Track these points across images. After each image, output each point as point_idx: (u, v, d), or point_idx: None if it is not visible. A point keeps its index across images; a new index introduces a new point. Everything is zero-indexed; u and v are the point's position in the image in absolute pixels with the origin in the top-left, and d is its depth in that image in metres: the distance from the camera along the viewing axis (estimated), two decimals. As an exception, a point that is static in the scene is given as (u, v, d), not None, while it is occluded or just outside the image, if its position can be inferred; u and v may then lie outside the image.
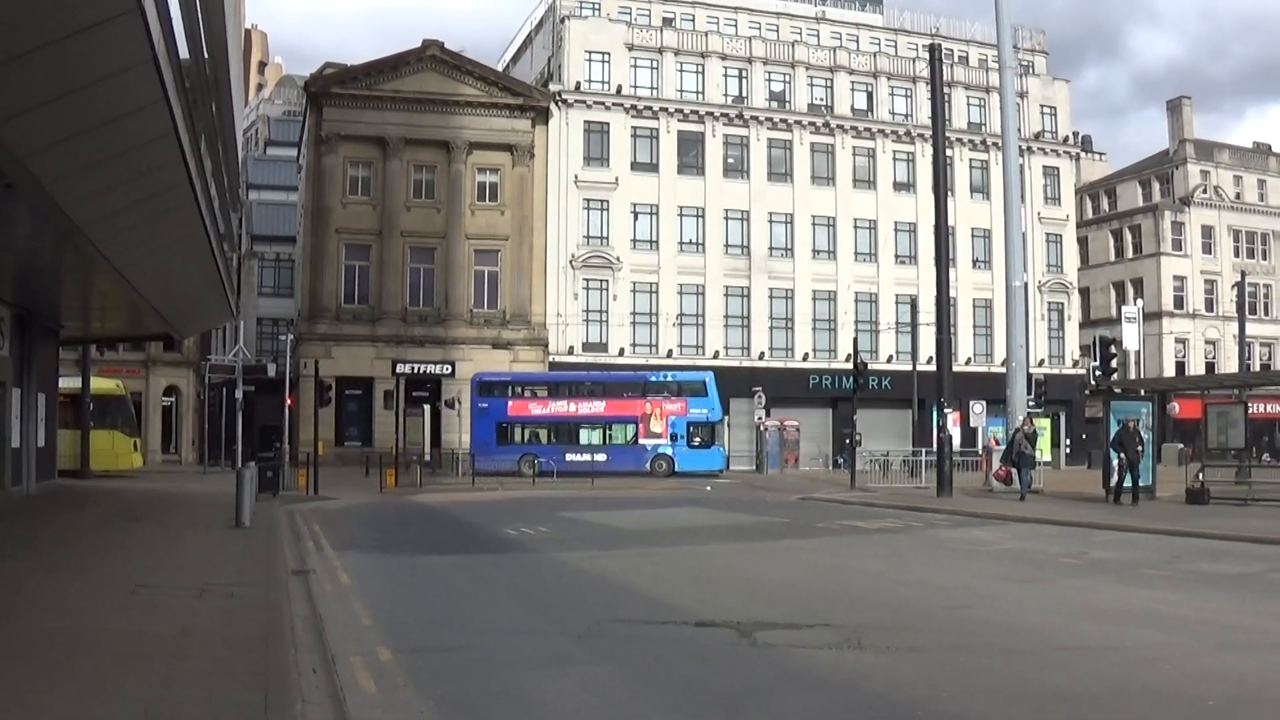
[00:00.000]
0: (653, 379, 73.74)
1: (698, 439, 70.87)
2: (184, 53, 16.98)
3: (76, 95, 15.99)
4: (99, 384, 64.67)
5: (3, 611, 16.36)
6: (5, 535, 28.05)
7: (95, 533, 30.14)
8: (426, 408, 68.78)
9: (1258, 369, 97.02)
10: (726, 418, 75.26)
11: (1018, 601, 19.23)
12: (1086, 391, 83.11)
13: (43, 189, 19.54)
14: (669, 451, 70.44)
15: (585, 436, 71.75)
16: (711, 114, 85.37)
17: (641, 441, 70.81)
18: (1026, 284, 63.41)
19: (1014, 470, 45.88)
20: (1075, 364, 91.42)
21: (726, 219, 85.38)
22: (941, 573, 23.36)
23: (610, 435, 71.89)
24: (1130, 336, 74.52)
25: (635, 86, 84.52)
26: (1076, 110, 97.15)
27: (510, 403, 71.97)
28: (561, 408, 71.79)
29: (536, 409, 71.84)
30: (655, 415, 70.81)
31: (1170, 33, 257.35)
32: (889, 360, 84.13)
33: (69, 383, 58.85)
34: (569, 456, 69.10)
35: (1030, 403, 54.83)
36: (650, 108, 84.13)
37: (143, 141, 18.95)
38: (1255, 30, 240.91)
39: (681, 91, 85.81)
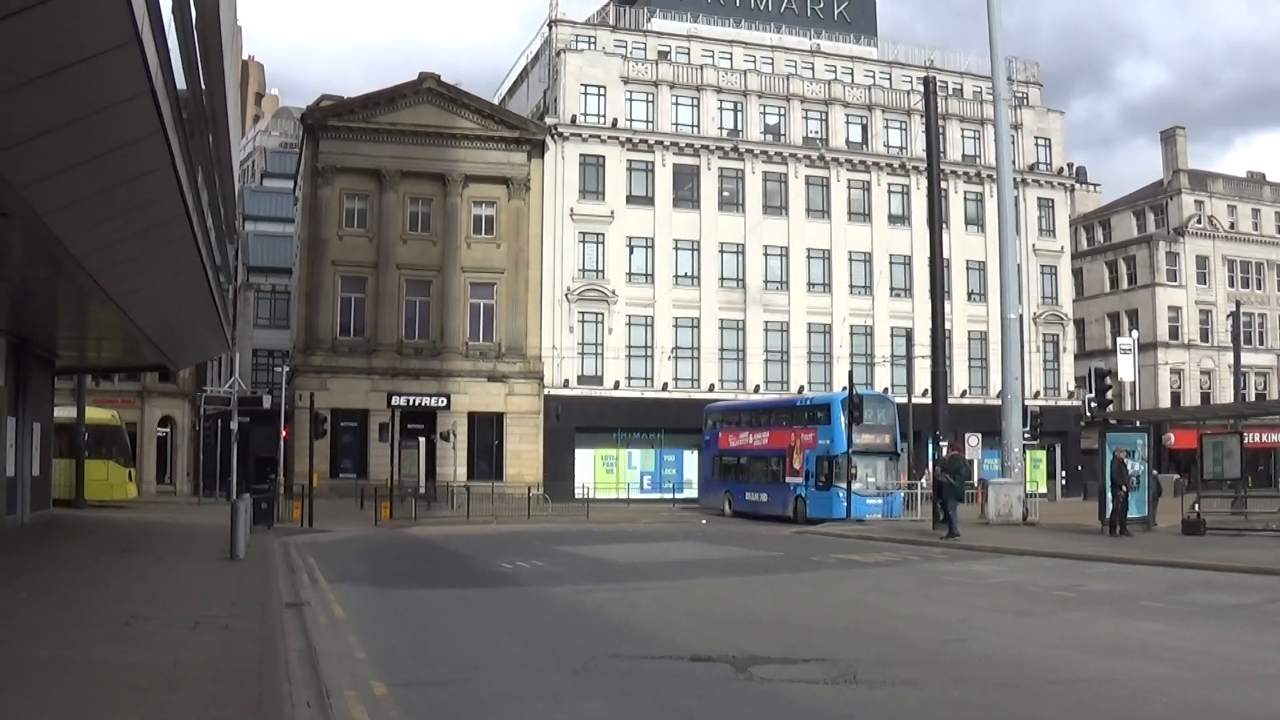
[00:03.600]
0: (797, 404, 68.09)
1: (824, 477, 59.65)
2: (181, 84, 17.00)
3: (74, 126, 15.99)
4: (94, 414, 64.66)
5: (-4, 643, 16.35)
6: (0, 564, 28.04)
7: (90, 563, 30.09)
8: (422, 440, 68.98)
9: (1253, 399, 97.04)
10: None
11: (1014, 635, 19.22)
12: (1082, 423, 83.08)
13: (39, 219, 19.54)
14: (804, 492, 60.42)
15: (758, 472, 66.21)
16: (707, 147, 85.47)
17: (787, 480, 62.19)
18: (1022, 316, 63.30)
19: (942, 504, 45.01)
20: (1071, 395, 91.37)
21: (722, 252, 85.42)
22: (937, 606, 23.35)
23: (770, 471, 64.55)
24: (1126, 368, 74.72)
25: (631, 120, 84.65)
26: (1067, 141, 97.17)
27: (720, 434, 70.85)
28: (745, 440, 68.39)
29: (733, 441, 69.47)
30: (797, 448, 62.15)
31: (1158, 62, 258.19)
32: (884, 393, 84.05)
33: (64, 412, 58.80)
34: (747, 495, 66.24)
35: (1026, 435, 54.92)
36: (646, 141, 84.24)
37: (140, 173, 18.95)
38: (1242, 57, 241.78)
39: (677, 125, 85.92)
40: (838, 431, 59.67)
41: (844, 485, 57.92)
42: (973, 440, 68.26)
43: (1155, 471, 50.65)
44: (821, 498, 59.22)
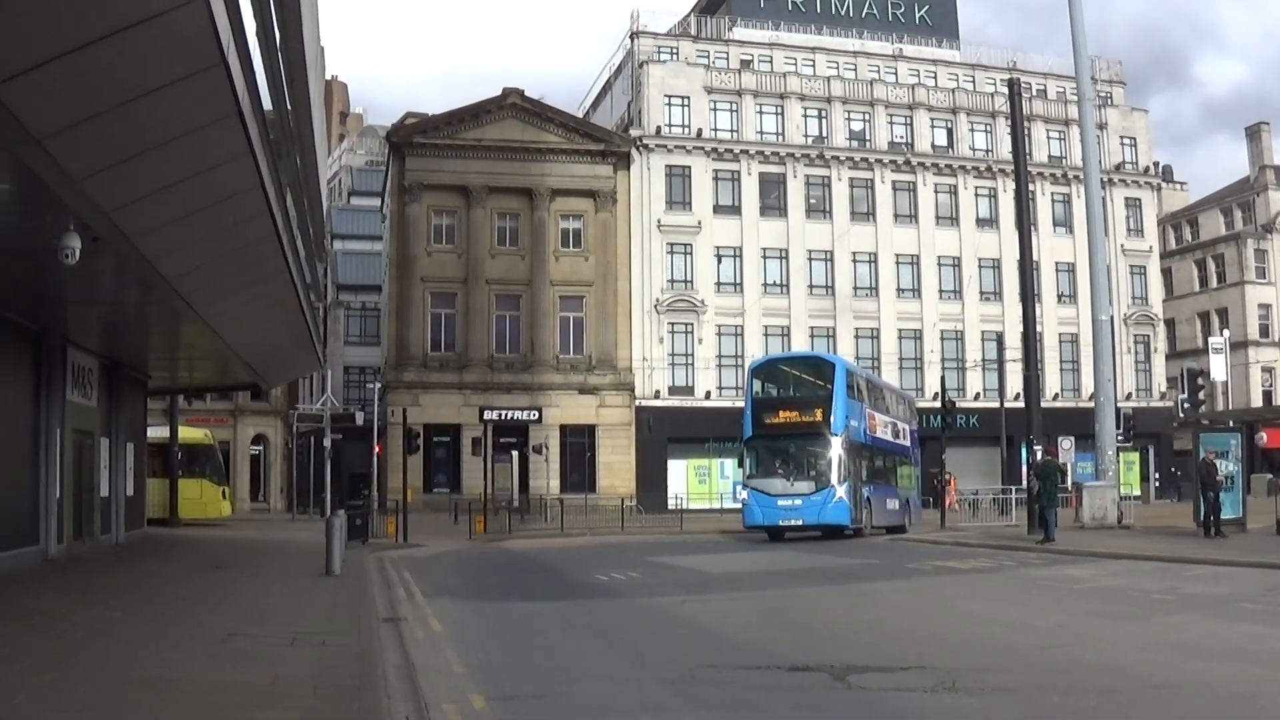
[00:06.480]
0: None
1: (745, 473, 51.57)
2: (267, 105, 17.09)
3: (163, 149, 16.10)
4: (187, 433, 65.30)
5: (94, 661, 16.42)
6: (95, 584, 28.18)
7: (185, 581, 30.27)
8: (515, 453, 68.95)
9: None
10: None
11: (1112, 639, 18.97)
12: (1175, 424, 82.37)
13: (129, 242, 19.67)
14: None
15: None
16: (792, 155, 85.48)
17: None
18: (1112, 317, 62.76)
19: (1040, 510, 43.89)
20: (1163, 396, 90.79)
21: (810, 260, 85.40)
22: (1035, 612, 23.13)
23: None
24: (1218, 367, 73.95)
25: (715, 129, 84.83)
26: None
27: None
28: None
29: None
30: None
31: (1236, 58, 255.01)
32: (976, 398, 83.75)
33: (157, 432, 59.29)
34: None
35: (1119, 437, 54.30)
36: (731, 150, 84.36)
37: (229, 194, 19.08)
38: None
39: (761, 133, 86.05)
40: (747, 411, 52.31)
41: (757, 484, 50.08)
42: (1066, 444, 67.71)
43: None
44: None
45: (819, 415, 49.02)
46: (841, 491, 47.92)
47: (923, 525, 56.65)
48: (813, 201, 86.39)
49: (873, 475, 53.03)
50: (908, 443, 59.54)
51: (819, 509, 47.93)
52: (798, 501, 48.27)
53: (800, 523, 48.38)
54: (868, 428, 52.54)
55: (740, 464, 51.70)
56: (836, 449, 48.38)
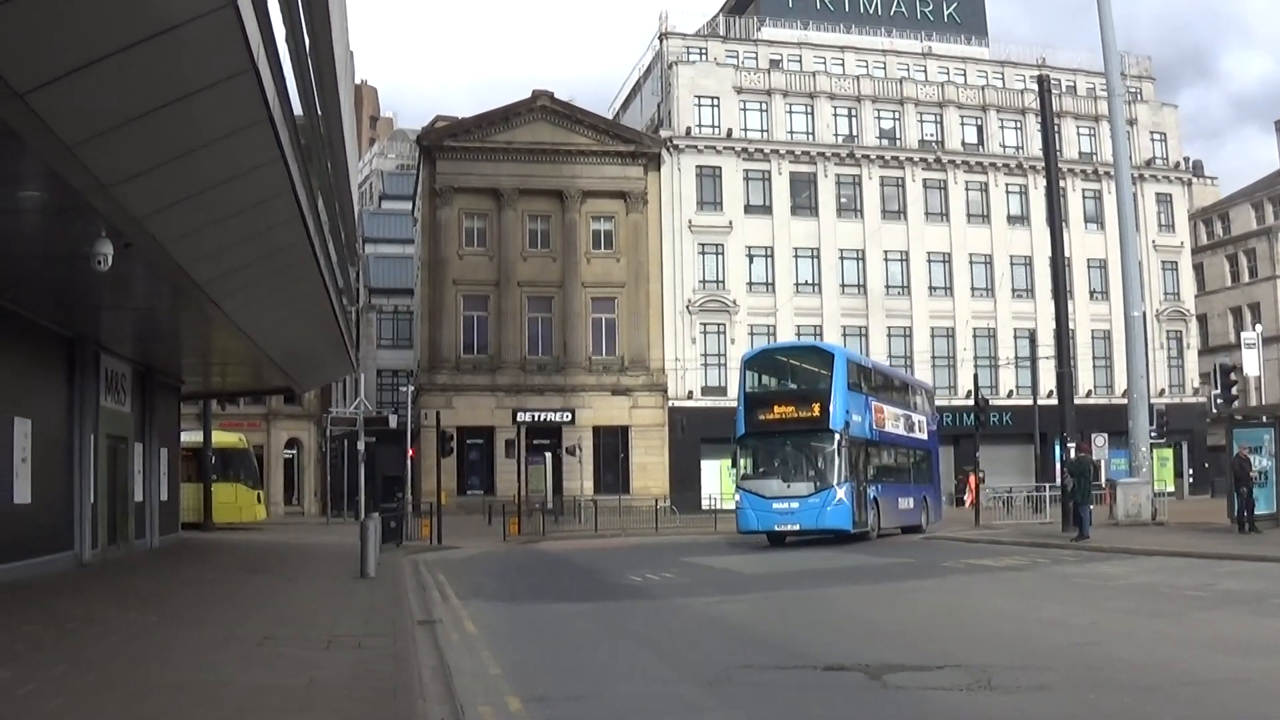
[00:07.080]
0: None
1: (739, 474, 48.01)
2: (298, 110, 17.12)
3: (194, 156, 16.14)
4: (221, 437, 65.45)
5: (129, 664, 16.44)
6: (130, 588, 28.23)
7: (220, 585, 30.28)
8: (548, 455, 69.04)
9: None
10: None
11: (1147, 636, 18.92)
12: (1208, 420, 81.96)
13: (162, 249, 19.72)
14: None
15: None
16: (823, 154, 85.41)
17: None
18: (1144, 313, 62.41)
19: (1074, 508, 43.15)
20: (1196, 392, 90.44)
21: (842, 259, 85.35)
22: (1069, 609, 23.05)
23: None
24: (1250, 362, 73.51)
25: (745, 129, 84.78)
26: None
27: None
28: None
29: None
30: None
31: (1263, 51, 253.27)
32: (1009, 395, 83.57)
33: (191, 437, 59.43)
34: None
35: (1152, 433, 54.02)
36: (761, 150, 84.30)
37: (260, 200, 19.12)
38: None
39: (792, 133, 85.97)
40: (739, 406, 48.01)
41: (750, 486, 46.66)
42: (1099, 440, 67.43)
43: None
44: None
45: (816, 410, 45.18)
46: (842, 493, 44.15)
47: (946, 524, 56.28)
48: (844, 200, 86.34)
49: (882, 473, 49.80)
50: (924, 436, 56.98)
51: (817, 512, 44.18)
52: (794, 504, 44.56)
53: (797, 527, 44.72)
54: (874, 422, 49.04)
55: (733, 464, 48.37)
56: (836, 446, 44.38)
